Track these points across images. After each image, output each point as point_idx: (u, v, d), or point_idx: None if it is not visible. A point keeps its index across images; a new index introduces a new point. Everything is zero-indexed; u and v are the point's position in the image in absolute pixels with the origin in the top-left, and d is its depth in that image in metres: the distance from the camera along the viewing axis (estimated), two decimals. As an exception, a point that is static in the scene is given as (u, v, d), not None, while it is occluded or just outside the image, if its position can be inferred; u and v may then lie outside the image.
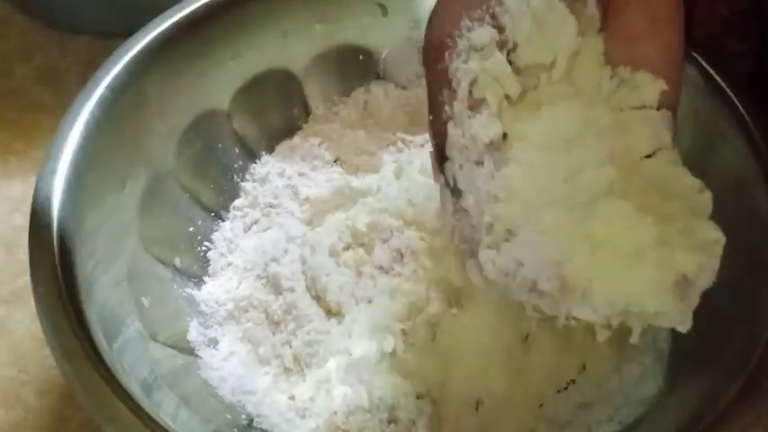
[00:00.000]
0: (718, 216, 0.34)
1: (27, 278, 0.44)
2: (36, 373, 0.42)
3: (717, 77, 0.38)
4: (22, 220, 0.48)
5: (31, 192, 0.48)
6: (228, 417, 0.35)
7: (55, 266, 0.32)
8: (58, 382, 0.41)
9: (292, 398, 0.36)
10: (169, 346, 0.36)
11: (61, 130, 0.36)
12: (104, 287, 0.34)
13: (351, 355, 0.36)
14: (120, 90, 0.38)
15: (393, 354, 0.36)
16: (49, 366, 0.42)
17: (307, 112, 0.46)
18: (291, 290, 0.38)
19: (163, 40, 0.40)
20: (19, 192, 0.49)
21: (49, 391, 0.41)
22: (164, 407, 0.31)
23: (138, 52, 0.39)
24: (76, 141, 0.36)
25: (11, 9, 0.58)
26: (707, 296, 0.33)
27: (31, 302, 0.43)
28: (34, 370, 0.42)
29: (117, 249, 0.36)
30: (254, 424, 0.35)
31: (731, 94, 0.38)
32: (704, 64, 0.38)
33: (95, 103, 0.37)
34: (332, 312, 0.38)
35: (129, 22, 0.41)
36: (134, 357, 0.33)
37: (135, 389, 0.30)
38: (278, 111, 0.45)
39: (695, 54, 0.38)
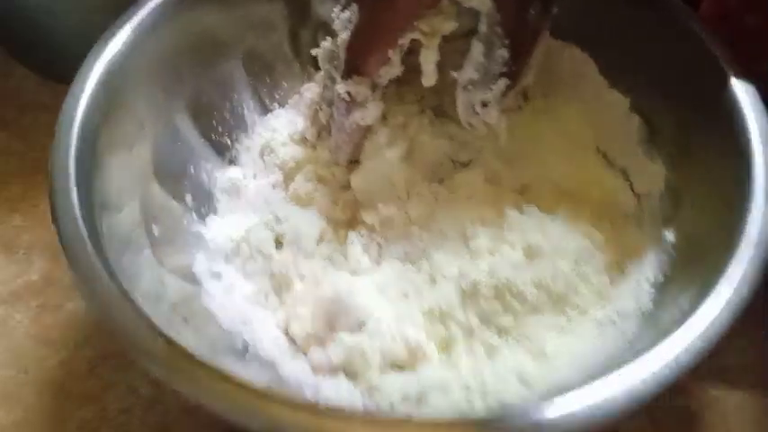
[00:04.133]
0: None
1: (27, 278, 0.45)
2: (35, 373, 0.41)
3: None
4: (21, 221, 0.47)
5: (31, 192, 0.48)
6: (226, 342, 0.36)
7: (73, 189, 0.33)
8: (58, 382, 0.40)
9: (287, 331, 0.38)
10: (176, 275, 0.37)
11: (87, 62, 0.37)
12: (119, 213, 0.35)
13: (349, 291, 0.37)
14: (142, 33, 0.39)
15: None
16: (49, 366, 0.41)
17: (319, 67, 0.45)
18: (292, 232, 0.40)
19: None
20: (18, 192, 0.48)
21: (48, 391, 0.40)
22: (174, 327, 0.32)
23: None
24: (99, 74, 0.37)
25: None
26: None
27: (31, 302, 0.44)
28: (34, 370, 0.41)
29: (133, 180, 0.38)
30: (250, 350, 0.37)
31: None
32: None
33: (119, 44, 0.38)
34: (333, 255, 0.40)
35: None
36: (146, 282, 0.34)
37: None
38: (292, 66, 0.47)
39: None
